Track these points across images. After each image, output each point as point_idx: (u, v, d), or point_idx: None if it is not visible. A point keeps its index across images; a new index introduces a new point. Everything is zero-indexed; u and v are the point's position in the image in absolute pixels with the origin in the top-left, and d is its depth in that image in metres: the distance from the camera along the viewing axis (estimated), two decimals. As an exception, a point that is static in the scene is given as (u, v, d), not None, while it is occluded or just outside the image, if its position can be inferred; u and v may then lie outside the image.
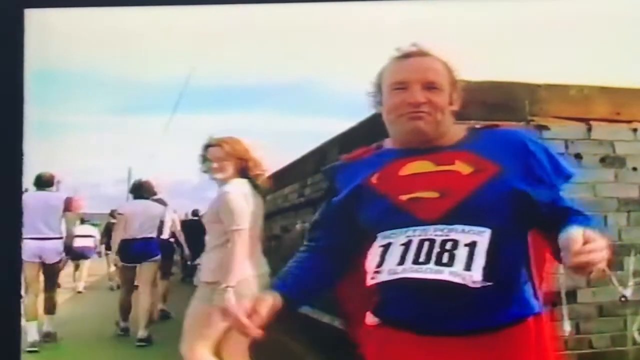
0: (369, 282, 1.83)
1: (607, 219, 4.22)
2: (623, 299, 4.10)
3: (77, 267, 10.69)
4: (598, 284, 4.11)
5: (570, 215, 1.81)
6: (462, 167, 1.84)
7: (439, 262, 1.73)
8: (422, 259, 1.75)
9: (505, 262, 1.78)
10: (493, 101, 4.22)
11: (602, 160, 4.35)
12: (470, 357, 1.76)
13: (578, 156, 4.28)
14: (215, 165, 3.95)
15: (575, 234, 1.59)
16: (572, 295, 4.09)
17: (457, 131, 1.98)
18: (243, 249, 3.89)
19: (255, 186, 4.03)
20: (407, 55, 1.94)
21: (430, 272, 1.73)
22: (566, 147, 4.27)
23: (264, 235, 10.07)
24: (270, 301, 1.82)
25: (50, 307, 6.64)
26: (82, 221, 15.64)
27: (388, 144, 2.04)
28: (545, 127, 4.26)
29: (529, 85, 4.37)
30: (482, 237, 1.75)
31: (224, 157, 3.95)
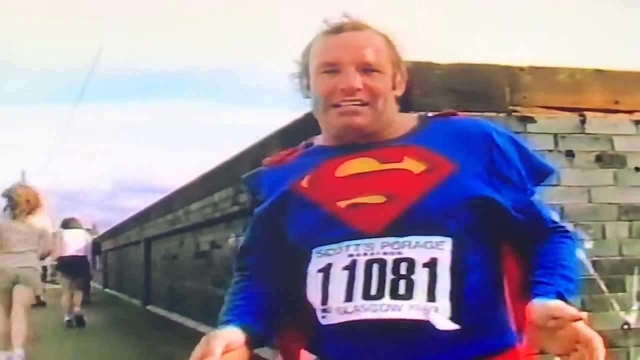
0: (322, 322, 1.73)
1: (605, 230, 4.17)
2: (625, 326, 4.07)
3: None
4: (596, 308, 4.05)
5: (546, 242, 1.76)
6: (412, 165, 1.75)
7: (394, 294, 1.64)
8: (373, 290, 1.66)
9: (474, 282, 1.70)
10: (466, 88, 4.14)
11: (599, 158, 4.28)
12: None
13: (570, 154, 4.20)
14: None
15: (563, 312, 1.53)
16: (564, 322, 4.01)
17: (404, 121, 1.88)
18: None
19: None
20: (338, 30, 1.82)
21: (386, 309, 1.64)
22: (555, 142, 4.20)
23: (189, 252, 10.01)
24: (224, 338, 1.65)
25: None
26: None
27: (319, 141, 1.96)
28: (530, 119, 4.18)
29: (510, 69, 4.30)
30: (443, 250, 1.67)
31: None
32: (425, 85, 4.03)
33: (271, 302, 1.85)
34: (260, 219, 1.92)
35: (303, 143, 1.99)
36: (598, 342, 1.48)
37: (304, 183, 1.83)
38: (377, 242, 1.69)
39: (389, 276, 1.65)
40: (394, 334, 1.64)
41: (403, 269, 1.65)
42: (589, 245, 4.11)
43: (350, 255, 1.70)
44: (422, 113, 1.97)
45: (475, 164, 1.74)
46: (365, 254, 1.69)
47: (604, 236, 4.15)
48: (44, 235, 8.52)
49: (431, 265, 1.65)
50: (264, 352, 5.77)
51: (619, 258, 4.17)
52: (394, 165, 1.76)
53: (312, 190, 1.81)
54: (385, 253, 1.67)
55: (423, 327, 1.63)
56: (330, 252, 1.73)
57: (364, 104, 1.76)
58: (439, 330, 1.63)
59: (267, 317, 1.82)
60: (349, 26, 1.82)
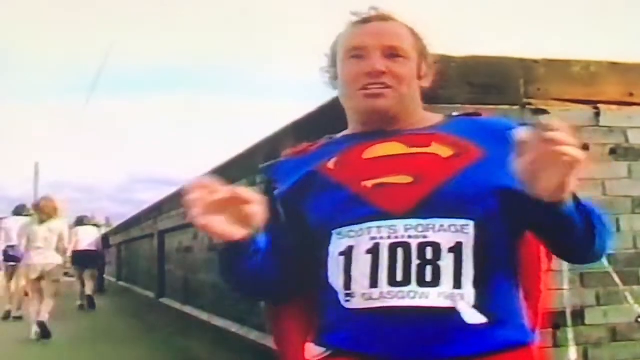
0: (345, 305, 1.74)
1: (620, 223, 4.16)
2: (640, 319, 4.08)
3: None
4: (610, 301, 4.07)
5: None
6: (440, 150, 1.79)
7: (422, 282, 1.65)
8: (399, 276, 1.67)
9: (497, 270, 1.71)
10: (481, 81, 4.14)
11: (613, 151, 4.27)
12: None
13: (584, 147, 4.17)
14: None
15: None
16: (579, 315, 4.02)
17: (429, 116, 1.93)
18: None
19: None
20: (366, 20, 1.90)
21: (413, 296, 1.65)
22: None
23: (203, 245, 10.04)
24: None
25: None
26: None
27: (344, 133, 1.98)
28: (544, 112, 4.17)
29: (524, 62, 4.29)
30: (467, 234, 1.69)
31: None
32: (440, 77, 4.02)
33: (269, 265, 1.89)
34: (279, 201, 1.93)
35: (326, 136, 2.01)
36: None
37: (330, 164, 1.86)
38: (401, 224, 1.70)
39: (415, 261, 1.67)
40: (419, 321, 1.65)
41: (429, 254, 1.67)
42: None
43: (373, 238, 1.71)
44: (448, 113, 1.99)
45: (503, 153, 1.75)
46: (388, 237, 1.70)
47: (618, 229, 4.13)
48: (61, 237, 11.54)
49: (456, 250, 1.67)
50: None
51: (633, 251, 4.17)
52: (422, 149, 1.80)
53: (338, 171, 1.84)
54: (409, 237, 1.69)
55: (449, 314, 1.65)
56: (352, 233, 1.74)
57: (388, 87, 1.81)
58: (464, 319, 1.65)
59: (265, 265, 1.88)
60: (376, 17, 1.90)
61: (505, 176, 1.71)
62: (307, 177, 1.87)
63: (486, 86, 4.13)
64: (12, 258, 13.02)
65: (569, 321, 3.96)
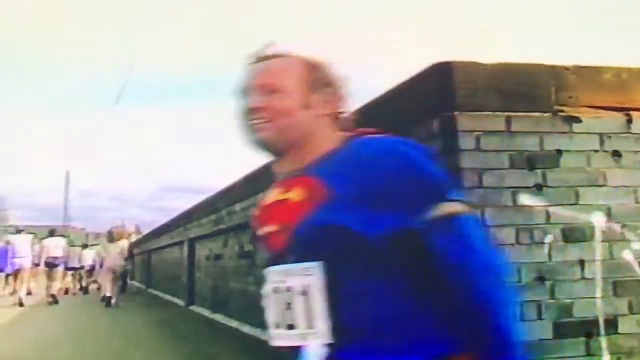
0: None
1: (653, 231, 4.14)
2: (674, 328, 4.04)
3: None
4: (643, 310, 4.04)
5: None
6: (296, 194, 1.89)
7: (284, 324, 1.86)
8: (275, 319, 1.89)
9: (357, 302, 1.77)
10: (511, 89, 4.14)
11: (645, 159, 4.23)
12: None
13: (616, 154, 4.18)
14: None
15: None
16: (612, 324, 4.00)
17: (327, 143, 1.95)
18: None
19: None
20: (253, 61, 2.03)
21: (284, 338, 1.86)
22: (602, 143, 4.18)
23: (233, 253, 10.02)
24: None
25: None
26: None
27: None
28: (576, 119, 4.16)
29: (555, 69, 4.28)
30: (312, 277, 1.79)
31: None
32: (470, 85, 4.03)
33: None
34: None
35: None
36: None
37: (257, 209, 2.09)
38: (279, 270, 1.89)
39: (280, 306, 1.87)
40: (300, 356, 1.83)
41: (288, 299, 1.85)
42: (636, 246, 4.07)
43: (269, 282, 1.93)
44: (350, 133, 1.95)
45: (353, 191, 1.78)
46: (272, 282, 1.91)
47: (650, 237, 4.11)
48: (123, 250, 19.55)
49: (305, 293, 1.81)
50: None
51: (666, 261, 4.13)
52: (285, 195, 1.93)
53: (258, 217, 2.07)
54: (278, 281, 1.88)
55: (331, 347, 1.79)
56: (267, 277, 1.95)
57: (269, 121, 1.92)
58: (345, 349, 1.76)
59: None
60: (262, 57, 2.02)
61: (345, 214, 1.76)
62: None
63: (516, 94, 4.12)
64: (52, 265, 20.17)
65: (602, 330, 3.94)
